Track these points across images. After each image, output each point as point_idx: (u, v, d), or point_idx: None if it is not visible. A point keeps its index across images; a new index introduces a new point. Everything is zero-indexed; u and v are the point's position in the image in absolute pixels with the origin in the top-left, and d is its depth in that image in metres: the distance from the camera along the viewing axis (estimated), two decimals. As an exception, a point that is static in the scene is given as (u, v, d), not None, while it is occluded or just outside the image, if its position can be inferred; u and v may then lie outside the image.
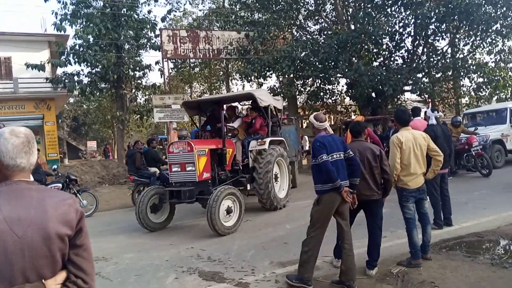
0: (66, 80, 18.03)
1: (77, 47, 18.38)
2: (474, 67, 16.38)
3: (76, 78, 18.74)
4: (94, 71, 19.33)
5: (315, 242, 4.23)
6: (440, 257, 4.92)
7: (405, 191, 4.72)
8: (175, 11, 22.59)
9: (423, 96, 18.05)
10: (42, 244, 1.51)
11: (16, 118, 18.53)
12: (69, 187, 9.71)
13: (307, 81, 19.11)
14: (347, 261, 4.20)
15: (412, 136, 4.72)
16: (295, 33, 20.95)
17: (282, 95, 18.21)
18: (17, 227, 1.48)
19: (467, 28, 16.33)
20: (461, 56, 17.09)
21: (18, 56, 18.67)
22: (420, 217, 4.91)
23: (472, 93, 19.17)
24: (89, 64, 18.25)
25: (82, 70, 19.80)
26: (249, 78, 19.21)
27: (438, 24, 16.00)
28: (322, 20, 20.22)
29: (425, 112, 7.44)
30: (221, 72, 32.78)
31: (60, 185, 9.46)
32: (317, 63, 16.68)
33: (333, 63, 16.57)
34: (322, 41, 18.33)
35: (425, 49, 17.50)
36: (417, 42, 17.35)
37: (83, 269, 1.61)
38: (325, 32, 19.68)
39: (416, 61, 17.44)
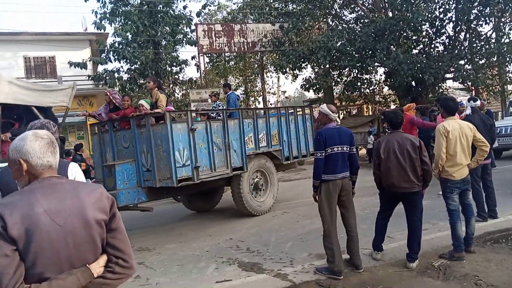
0: (107, 77, 18.63)
1: (116, 44, 18.94)
2: (521, 52, 15.56)
3: (116, 75, 19.32)
4: (133, 67, 19.84)
5: (330, 234, 4.38)
6: (484, 250, 4.78)
7: (450, 182, 4.59)
8: (210, 6, 22.78)
9: (466, 84, 17.34)
10: (83, 230, 1.63)
11: (61, 115, 19.32)
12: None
13: (343, 71, 18.81)
14: (352, 246, 4.50)
15: (459, 125, 4.61)
16: (331, 23, 20.61)
17: (318, 86, 18.08)
18: (57, 217, 1.59)
19: (513, 11, 15.53)
20: (507, 40, 16.21)
21: (61, 55, 19.48)
22: (464, 208, 4.77)
23: (519, 80, 18.26)
24: (128, 61, 18.76)
25: (122, 67, 20.28)
26: (284, 70, 19.14)
27: (481, 8, 15.26)
28: (358, 8, 19.77)
29: (460, 102, 7.17)
30: (256, 65, 32.79)
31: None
32: (353, 53, 16.37)
33: (370, 52, 16.21)
34: (359, 29, 17.94)
35: (468, 35, 16.75)
36: (459, 27, 16.63)
37: (122, 250, 1.73)
38: (362, 21, 19.24)
39: (458, 47, 16.74)
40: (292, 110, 9.15)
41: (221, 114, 7.71)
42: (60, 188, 1.68)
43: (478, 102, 6.54)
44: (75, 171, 2.93)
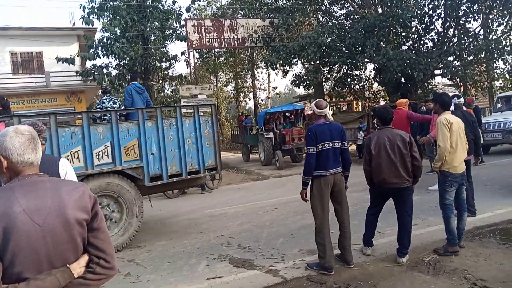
0: (95, 73, 18.42)
1: (104, 40, 18.74)
2: (509, 48, 15.73)
3: (104, 70, 19.13)
4: (122, 63, 19.67)
5: (323, 230, 4.39)
6: (473, 245, 4.83)
7: (451, 176, 4.59)
8: (199, 1, 22.61)
9: (454, 80, 17.50)
10: (63, 230, 1.60)
11: (49, 111, 19.11)
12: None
13: (333, 67, 18.84)
14: (344, 242, 4.51)
15: (457, 120, 4.67)
16: (321, 19, 20.63)
17: (308, 82, 18.09)
18: (37, 216, 1.56)
19: (501, 8, 15.67)
20: (495, 37, 16.41)
21: (49, 51, 19.20)
22: (458, 203, 4.78)
23: (507, 76, 18.45)
24: (116, 56, 18.60)
25: (110, 62, 20.15)
26: (274, 66, 19.12)
27: (469, 5, 15.39)
28: (348, 4, 19.81)
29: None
30: (246, 61, 32.73)
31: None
32: (343, 49, 16.40)
33: (360, 48, 16.26)
34: (349, 25, 17.98)
35: (456, 31, 16.89)
36: (447, 24, 16.77)
37: (104, 250, 1.70)
38: (352, 17, 19.29)
39: (447, 43, 16.87)
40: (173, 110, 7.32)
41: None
42: (41, 186, 1.64)
43: (462, 99, 6.62)
44: (66, 167, 2.88)
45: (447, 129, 4.53)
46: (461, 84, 18.16)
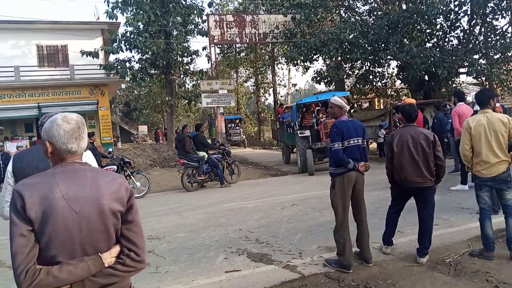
0: (118, 67, 18.72)
1: (128, 34, 19.00)
2: (538, 47, 15.25)
3: (127, 64, 19.43)
4: (144, 57, 19.93)
5: (342, 228, 4.36)
6: (496, 247, 4.72)
7: (478, 179, 4.45)
8: (222, -4, 22.73)
9: (480, 79, 17.07)
10: (98, 219, 1.64)
11: (72, 104, 19.56)
12: (124, 169, 10.18)
13: (355, 64, 18.62)
14: (362, 240, 4.47)
15: (486, 120, 4.32)
16: (343, 15, 20.41)
17: (329, 78, 17.94)
18: (74, 203, 1.61)
19: (531, 5, 15.19)
20: (523, 35, 15.94)
21: (73, 44, 19.61)
22: (502, 208, 4.51)
23: (535, 75, 17.91)
24: (139, 50, 18.85)
25: (133, 56, 20.53)
26: (295, 62, 19.02)
27: (497, 2, 14.96)
28: (372, 0, 19.52)
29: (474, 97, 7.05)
30: (267, 57, 32.68)
31: (115, 167, 9.94)
32: (366, 45, 16.19)
33: (383, 45, 16.02)
34: (372, 22, 17.72)
35: (483, 29, 16.44)
36: (474, 21, 16.34)
37: (135, 243, 1.73)
38: (375, 13, 19.00)
39: (473, 41, 16.45)
40: None
41: None
42: (81, 175, 1.69)
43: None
44: (88, 158, 2.96)
45: (466, 133, 4.42)
46: (487, 83, 17.68)
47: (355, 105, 22.83)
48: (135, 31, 18.79)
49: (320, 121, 12.87)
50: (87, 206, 1.63)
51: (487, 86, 18.44)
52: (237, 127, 28.68)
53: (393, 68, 19.59)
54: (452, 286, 3.81)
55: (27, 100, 19.39)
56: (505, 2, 14.86)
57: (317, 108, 14.25)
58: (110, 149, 11.69)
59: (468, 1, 15.55)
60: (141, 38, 18.18)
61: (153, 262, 5.10)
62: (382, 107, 23.69)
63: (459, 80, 19.14)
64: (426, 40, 17.54)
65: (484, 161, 4.33)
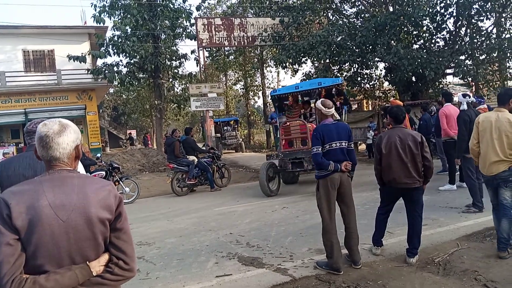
0: (106, 71, 18.58)
1: (115, 38, 18.89)
2: (522, 47, 15.50)
3: (115, 68, 19.28)
4: (132, 61, 19.81)
5: (329, 230, 4.37)
6: (484, 246, 4.78)
7: (482, 176, 4.57)
8: (209, -1, 22.75)
9: (466, 80, 17.30)
10: (85, 227, 1.62)
11: (60, 109, 19.36)
12: (112, 175, 10.08)
13: (343, 66, 18.77)
14: (350, 243, 4.46)
15: (495, 118, 4.33)
16: (331, 17, 20.57)
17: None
18: (61, 212, 1.59)
19: (514, 6, 15.46)
20: (508, 36, 16.18)
21: (60, 49, 19.43)
22: (499, 206, 4.48)
23: (520, 75, 18.22)
24: (127, 54, 18.74)
25: (121, 60, 20.26)
26: (284, 65, 19.09)
27: (482, 3, 15.19)
28: (359, 3, 19.71)
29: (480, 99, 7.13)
30: (256, 60, 32.71)
31: (103, 173, 9.84)
32: (354, 48, 16.33)
33: (371, 47, 16.17)
34: (359, 24, 17.89)
35: (468, 30, 16.70)
36: (459, 22, 16.58)
37: (124, 251, 1.70)
38: (362, 15, 19.19)
39: (459, 42, 16.69)
40: None
41: None
42: (69, 182, 1.67)
43: (472, 98, 6.57)
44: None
45: (477, 127, 4.49)
46: (473, 83, 17.94)
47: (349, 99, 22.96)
48: (122, 35, 18.68)
49: (307, 117, 10.55)
50: (74, 214, 1.60)
51: (474, 87, 18.71)
52: (233, 130, 26.21)
53: (381, 70, 19.81)
54: (441, 286, 3.83)
55: (13, 106, 19.14)
56: (489, 4, 15.10)
57: (305, 99, 11.13)
58: (99, 155, 11.55)
59: (453, 3, 15.79)
60: (129, 42, 18.08)
61: (143, 268, 5.05)
62: (370, 108, 23.89)
63: (446, 81, 19.38)
64: (413, 41, 17.75)
65: (483, 158, 4.42)
